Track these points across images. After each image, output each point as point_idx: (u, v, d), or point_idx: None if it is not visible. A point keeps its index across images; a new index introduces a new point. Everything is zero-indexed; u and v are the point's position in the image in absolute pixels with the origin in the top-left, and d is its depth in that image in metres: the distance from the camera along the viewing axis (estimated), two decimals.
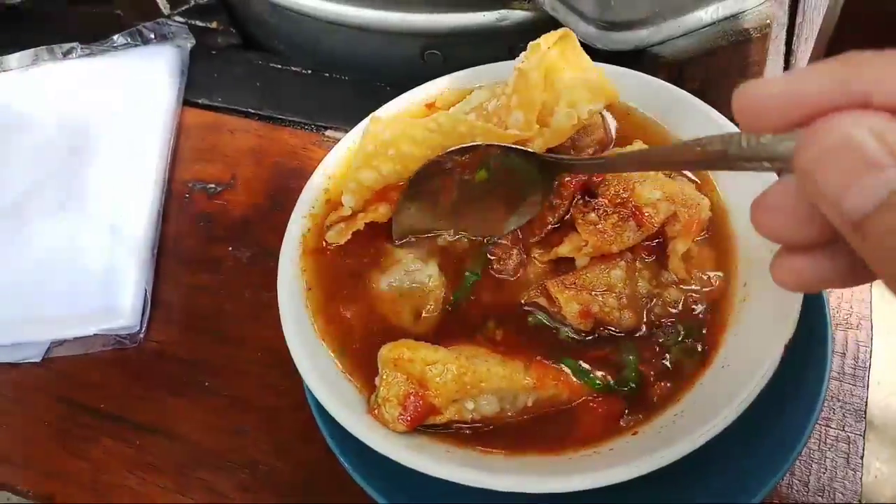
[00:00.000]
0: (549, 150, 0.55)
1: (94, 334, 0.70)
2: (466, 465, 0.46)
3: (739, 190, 0.55)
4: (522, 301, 0.54)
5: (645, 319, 0.52)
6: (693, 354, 0.50)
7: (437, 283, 0.55)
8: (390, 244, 0.58)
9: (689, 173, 0.58)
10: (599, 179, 0.55)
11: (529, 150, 0.53)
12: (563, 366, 0.50)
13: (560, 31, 0.56)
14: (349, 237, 0.57)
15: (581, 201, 0.55)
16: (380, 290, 0.56)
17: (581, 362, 0.51)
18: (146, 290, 0.72)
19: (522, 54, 0.56)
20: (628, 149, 0.57)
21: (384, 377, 0.48)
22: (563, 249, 0.54)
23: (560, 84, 0.55)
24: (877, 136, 0.26)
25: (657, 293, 0.52)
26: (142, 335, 0.71)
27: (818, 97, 0.28)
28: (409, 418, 0.47)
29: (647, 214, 0.54)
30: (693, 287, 0.53)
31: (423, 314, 0.54)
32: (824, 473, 0.56)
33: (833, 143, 0.27)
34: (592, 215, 0.54)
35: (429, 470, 0.45)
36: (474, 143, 0.53)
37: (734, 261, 0.54)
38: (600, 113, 0.59)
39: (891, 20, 0.53)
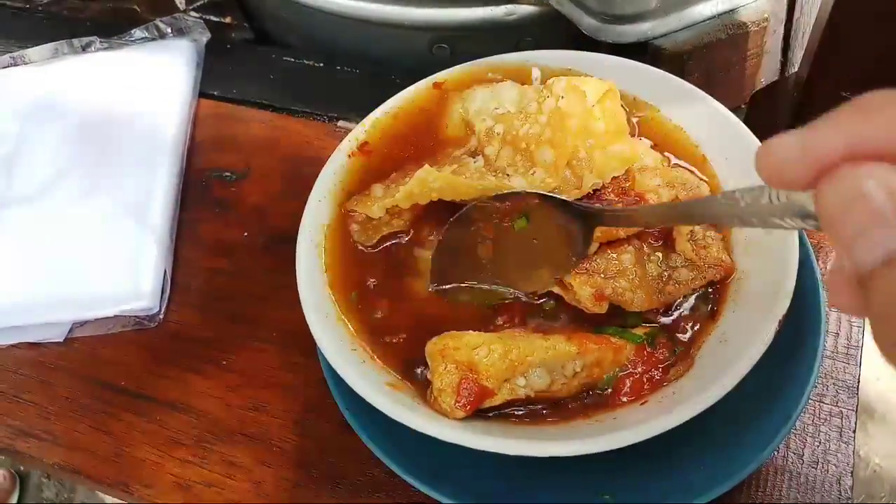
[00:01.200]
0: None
1: (115, 315, 0.73)
2: (523, 438, 0.48)
3: (735, 175, 0.58)
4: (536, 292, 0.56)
5: (656, 298, 0.54)
6: (705, 317, 0.54)
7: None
8: (419, 249, 0.60)
9: (689, 166, 0.61)
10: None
11: (567, 199, 0.54)
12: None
13: (606, 85, 0.59)
14: (376, 240, 0.60)
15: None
16: (415, 292, 0.58)
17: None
18: (165, 273, 0.75)
19: (558, 86, 0.58)
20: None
21: (435, 369, 0.50)
22: None
23: (594, 138, 0.58)
24: (886, 189, 0.26)
25: (667, 274, 0.55)
26: (161, 316, 0.73)
27: (834, 153, 0.28)
28: (465, 404, 0.49)
29: (650, 200, 0.56)
30: (701, 265, 0.55)
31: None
32: (818, 446, 0.58)
33: (844, 194, 0.27)
34: (598, 205, 0.56)
35: (492, 447, 0.47)
36: (515, 191, 0.55)
37: (729, 242, 0.57)
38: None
39: (882, 14, 0.55)
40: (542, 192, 0.54)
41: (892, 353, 0.26)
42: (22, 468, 2.00)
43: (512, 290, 0.56)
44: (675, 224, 0.54)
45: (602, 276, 0.54)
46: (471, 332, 0.52)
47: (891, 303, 0.25)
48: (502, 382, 0.51)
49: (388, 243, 0.61)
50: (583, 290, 0.54)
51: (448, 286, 0.58)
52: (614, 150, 0.58)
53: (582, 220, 0.53)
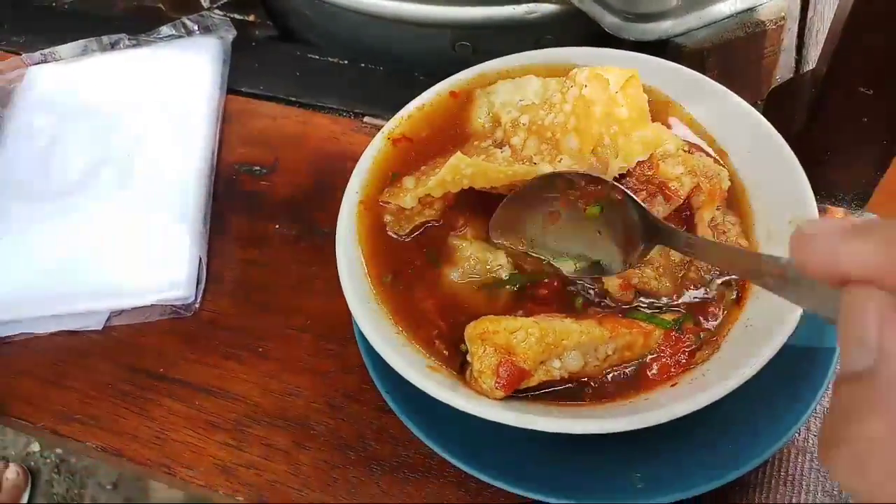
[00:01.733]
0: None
1: (152, 304, 0.75)
2: (560, 417, 0.50)
3: (756, 169, 0.60)
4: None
5: (681, 285, 0.57)
6: (731, 304, 0.56)
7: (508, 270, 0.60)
8: (454, 238, 0.62)
9: (708, 148, 0.63)
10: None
11: (647, 207, 0.54)
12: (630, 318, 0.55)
13: (628, 72, 0.60)
14: (409, 229, 0.63)
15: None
16: (451, 280, 0.60)
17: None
18: (201, 262, 0.77)
19: (581, 75, 0.60)
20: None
21: (475, 352, 0.53)
22: None
23: (618, 124, 0.60)
24: (879, 319, 0.28)
25: (688, 260, 0.57)
26: (197, 305, 0.76)
27: (861, 271, 0.29)
28: (504, 384, 0.51)
29: (672, 188, 0.59)
30: None
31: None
32: None
33: (847, 304, 0.29)
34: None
35: (532, 425, 0.49)
36: (603, 177, 0.56)
37: (753, 233, 0.59)
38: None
39: None
40: (628, 192, 0.55)
41: (829, 455, 0.28)
42: (32, 464, 2.03)
43: (554, 267, 0.59)
44: (733, 273, 0.56)
45: None
46: (508, 316, 0.54)
47: (843, 413, 0.28)
48: (538, 364, 0.53)
49: (420, 232, 0.63)
50: (610, 280, 0.57)
51: (505, 241, 0.60)
52: (638, 136, 0.60)
53: (650, 232, 0.53)
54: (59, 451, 2.03)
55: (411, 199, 0.62)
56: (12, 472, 1.95)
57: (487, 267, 0.60)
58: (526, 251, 0.60)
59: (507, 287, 0.59)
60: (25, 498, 1.94)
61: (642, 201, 0.56)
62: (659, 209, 0.58)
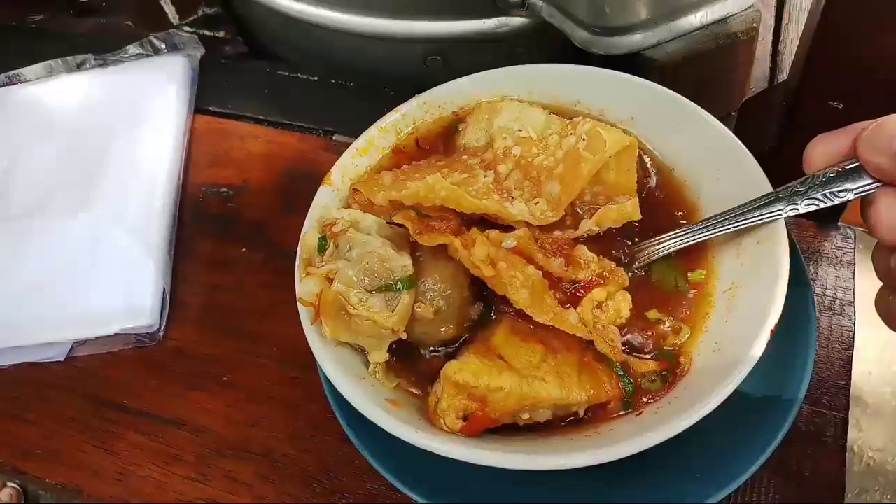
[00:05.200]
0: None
1: (116, 333, 0.73)
2: (520, 452, 0.49)
3: (725, 189, 0.59)
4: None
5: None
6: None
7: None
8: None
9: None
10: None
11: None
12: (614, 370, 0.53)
13: (627, 141, 0.60)
14: None
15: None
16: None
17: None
18: (165, 290, 0.75)
19: (583, 127, 0.60)
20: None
21: (446, 391, 0.51)
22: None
23: (603, 186, 0.60)
24: None
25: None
26: (161, 333, 0.74)
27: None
28: (467, 429, 0.50)
29: (581, 261, 0.56)
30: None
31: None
32: (811, 451, 0.59)
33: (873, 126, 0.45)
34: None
35: (488, 461, 0.48)
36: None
37: (715, 264, 0.58)
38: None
39: (872, 23, 0.56)
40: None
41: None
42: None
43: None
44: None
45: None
46: (489, 366, 0.51)
47: None
48: (508, 416, 0.52)
49: None
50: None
51: None
52: (617, 207, 0.58)
53: None
54: None
55: (383, 197, 0.61)
56: (6, 495, 1.93)
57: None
58: None
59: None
60: None
61: (546, 253, 0.56)
62: (555, 262, 0.56)
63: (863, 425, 1.75)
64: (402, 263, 0.54)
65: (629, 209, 0.58)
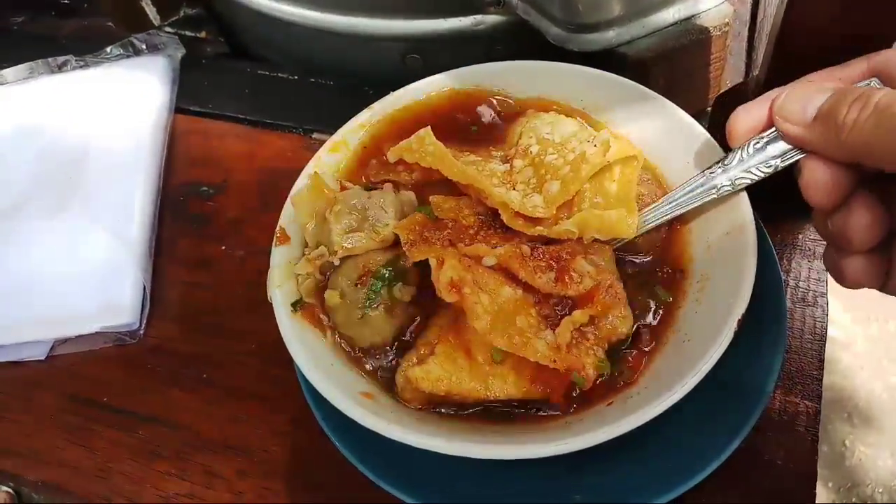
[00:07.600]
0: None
1: (96, 332, 0.73)
2: (468, 441, 0.49)
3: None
4: None
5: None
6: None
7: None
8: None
9: None
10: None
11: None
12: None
13: (631, 151, 0.59)
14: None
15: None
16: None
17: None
18: (145, 288, 0.75)
19: (602, 135, 0.60)
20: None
21: (407, 390, 0.53)
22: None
23: (603, 197, 0.59)
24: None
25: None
26: (142, 332, 0.74)
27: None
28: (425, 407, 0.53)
29: (572, 276, 0.55)
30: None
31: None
32: (782, 441, 0.60)
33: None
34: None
35: (439, 448, 0.48)
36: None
37: (691, 257, 0.58)
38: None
39: (830, 19, 0.57)
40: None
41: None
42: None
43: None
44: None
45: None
46: (452, 376, 0.52)
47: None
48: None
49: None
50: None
51: None
52: (608, 216, 0.57)
53: None
54: None
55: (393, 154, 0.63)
56: None
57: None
58: None
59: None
60: None
61: (537, 266, 0.55)
62: (542, 278, 0.55)
63: (854, 420, 1.76)
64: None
65: (613, 219, 0.56)
